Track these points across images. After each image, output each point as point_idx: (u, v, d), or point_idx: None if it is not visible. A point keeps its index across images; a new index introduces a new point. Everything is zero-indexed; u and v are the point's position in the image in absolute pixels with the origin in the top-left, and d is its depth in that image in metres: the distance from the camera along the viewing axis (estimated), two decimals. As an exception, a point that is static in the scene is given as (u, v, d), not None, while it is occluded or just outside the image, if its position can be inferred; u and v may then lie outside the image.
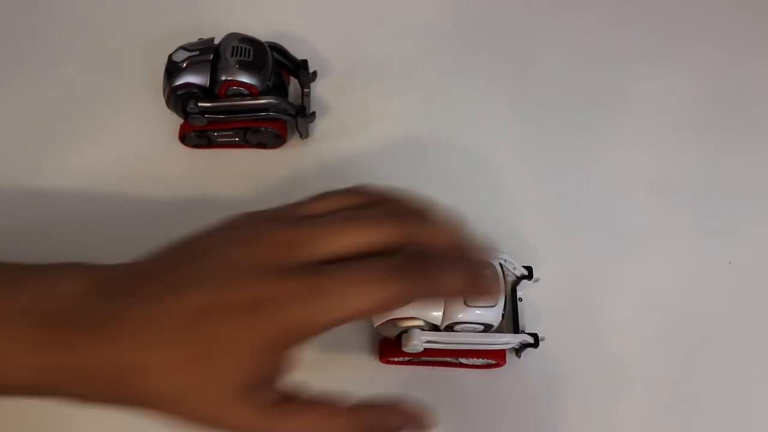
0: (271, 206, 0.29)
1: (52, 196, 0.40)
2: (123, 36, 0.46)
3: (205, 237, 0.28)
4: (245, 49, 0.38)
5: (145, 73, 0.43)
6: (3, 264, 0.28)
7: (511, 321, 0.34)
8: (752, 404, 0.37)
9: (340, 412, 0.27)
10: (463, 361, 0.36)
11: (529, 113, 0.45)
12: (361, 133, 0.43)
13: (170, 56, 0.39)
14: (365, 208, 0.28)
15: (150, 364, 0.25)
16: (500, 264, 0.33)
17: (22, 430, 0.35)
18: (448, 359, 0.36)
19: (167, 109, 0.40)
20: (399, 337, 0.33)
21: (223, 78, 0.38)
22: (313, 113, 0.42)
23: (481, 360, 0.36)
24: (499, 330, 0.33)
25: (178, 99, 0.38)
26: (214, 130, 0.41)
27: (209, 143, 0.42)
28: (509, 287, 0.35)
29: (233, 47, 0.38)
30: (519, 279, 0.36)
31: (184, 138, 0.42)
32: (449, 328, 0.32)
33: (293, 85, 0.43)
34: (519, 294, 0.35)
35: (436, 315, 0.32)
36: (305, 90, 0.42)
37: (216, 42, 0.39)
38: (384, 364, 0.36)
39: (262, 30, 0.41)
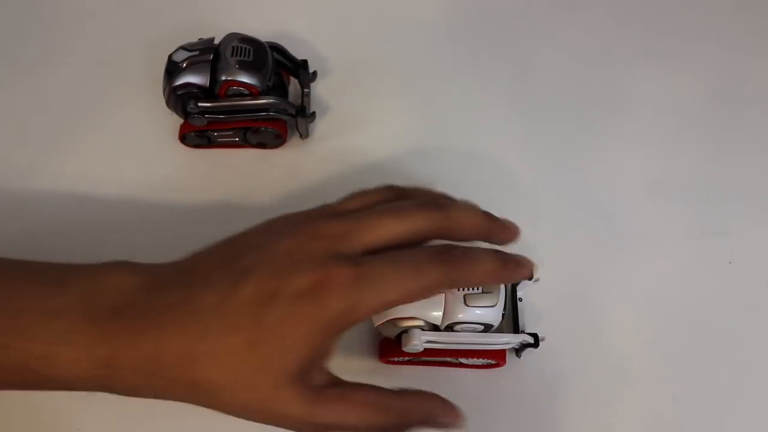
0: (271, 206, 0.29)
1: (52, 196, 0.40)
2: (123, 36, 0.46)
3: (252, 233, 0.29)
4: (245, 49, 0.38)
5: (145, 73, 0.43)
6: (50, 264, 0.29)
7: (511, 321, 0.34)
8: (752, 404, 0.37)
9: (387, 395, 0.28)
10: (463, 361, 0.36)
11: (529, 113, 0.45)
12: (361, 133, 0.43)
13: (170, 56, 0.39)
14: (399, 201, 0.30)
15: (201, 352, 0.25)
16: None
17: (22, 430, 0.35)
18: (448, 359, 0.36)
19: (167, 109, 0.40)
20: (399, 337, 0.33)
21: (223, 78, 0.38)
22: (313, 113, 0.42)
23: (481, 360, 0.36)
24: (499, 330, 0.33)
25: (178, 99, 0.38)
26: (214, 130, 0.41)
27: (209, 143, 0.42)
28: (509, 287, 0.35)
29: (233, 47, 0.38)
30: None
31: (184, 138, 0.42)
32: (449, 328, 0.32)
33: (293, 85, 0.43)
34: (519, 294, 0.35)
35: (436, 315, 0.32)
36: (305, 90, 0.42)
37: (216, 42, 0.39)
38: (384, 364, 0.36)
39: (262, 30, 0.41)
